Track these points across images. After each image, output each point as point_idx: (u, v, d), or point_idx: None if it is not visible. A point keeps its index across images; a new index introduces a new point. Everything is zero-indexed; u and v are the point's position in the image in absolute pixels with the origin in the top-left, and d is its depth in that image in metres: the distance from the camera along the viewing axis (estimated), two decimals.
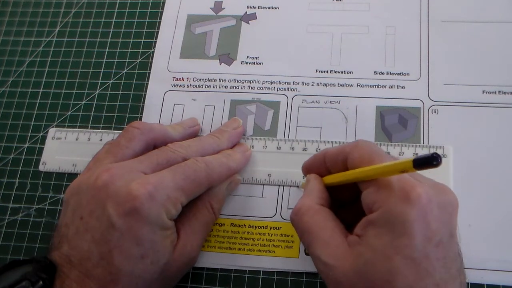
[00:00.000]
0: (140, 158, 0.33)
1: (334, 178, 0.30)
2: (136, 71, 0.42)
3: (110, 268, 0.29)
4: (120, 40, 0.43)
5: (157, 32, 0.43)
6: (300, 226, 0.29)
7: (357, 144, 0.29)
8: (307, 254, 0.34)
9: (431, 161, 0.22)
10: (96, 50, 0.43)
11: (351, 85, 0.38)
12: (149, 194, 0.29)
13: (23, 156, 0.41)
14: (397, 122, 0.37)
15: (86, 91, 0.42)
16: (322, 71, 0.39)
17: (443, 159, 0.34)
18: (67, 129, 0.41)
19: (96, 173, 0.31)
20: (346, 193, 0.31)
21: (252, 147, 0.37)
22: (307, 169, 0.33)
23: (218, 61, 0.41)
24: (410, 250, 0.24)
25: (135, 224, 0.29)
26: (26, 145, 0.41)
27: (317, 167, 0.32)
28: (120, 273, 0.29)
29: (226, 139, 0.37)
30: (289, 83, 0.39)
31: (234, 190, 0.37)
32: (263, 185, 0.37)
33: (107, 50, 0.43)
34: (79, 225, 0.30)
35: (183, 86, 0.40)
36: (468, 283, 0.32)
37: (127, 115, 0.40)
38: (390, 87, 0.38)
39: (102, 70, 0.43)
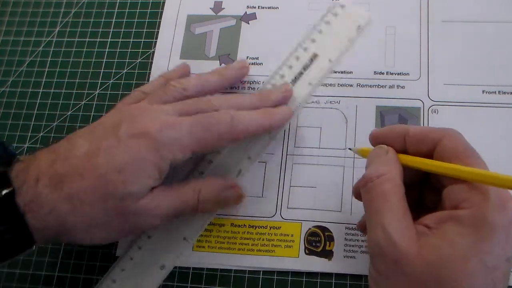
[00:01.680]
0: (172, 104, 0.33)
1: (415, 162, 0.28)
2: (136, 71, 0.42)
3: (87, 163, 0.30)
4: (120, 40, 0.43)
5: (157, 32, 0.43)
6: (377, 190, 0.27)
7: (449, 132, 0.27)
8: (360, 231, 0.33)
9: None
10: (96, 50, 0.43)
11: (351, 85, 0.38)
12: (162, 127, 0.31)
13: None
14: (397, 122, 0.37)
15: (86, 91, 0.42)
16: None
17: None
18: None
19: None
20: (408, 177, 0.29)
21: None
22: (378, 138, 0.30)
23: (218, 61, 0.41)
24: (489, 256, 0.24)
25: (137, 144, 0.30)
26: (26, 145, 0.41)
27: (391, 140, 0.29)
28: (95, 170, 0.30)
29: (272, 99, 0.36)
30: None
31: (232, 201, 0.36)
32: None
33: (107, 50, 0.43)
34: (89, 130, 0.32)
35: None
36: None
37: None
38: (390, 87, 0.38)
39: (102, 70, 0.43)
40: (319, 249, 0.34)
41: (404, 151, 0.29)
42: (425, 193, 0.30)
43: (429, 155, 0.28)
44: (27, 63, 0.44)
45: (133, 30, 0.44)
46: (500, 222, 0.24)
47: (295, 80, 0.38)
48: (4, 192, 0.28)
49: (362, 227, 0.31)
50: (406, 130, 0.29)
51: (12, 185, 0.29)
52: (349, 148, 0.35)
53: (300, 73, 0.39)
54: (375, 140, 0.30)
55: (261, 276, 0.34)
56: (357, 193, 0.30)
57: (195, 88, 0.35)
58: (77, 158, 0.30)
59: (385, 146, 0.29)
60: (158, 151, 0.30)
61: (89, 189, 0.30)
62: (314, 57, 0.39)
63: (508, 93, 0.37)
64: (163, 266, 0.35)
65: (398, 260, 0.24)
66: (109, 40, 0.44)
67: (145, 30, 0.43)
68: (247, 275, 0.35)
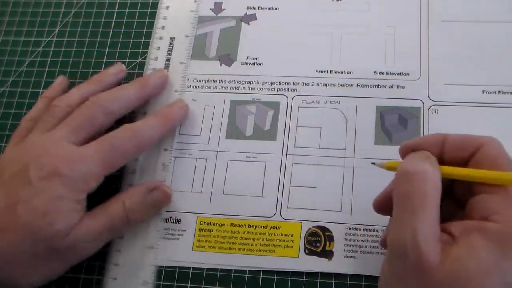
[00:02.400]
0: (62, 124, 0.34)
1: (457, 171, 0.26)
2: (136, 71, 0.42)
3: (8, 218, 0.30)
4: (120, 40, 0.43)
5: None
6: (417, 187, 0.25)
7: (491, 140, 0.26)
8: (384, 248, 0.31)
9: None
10: (96, 50, 0.43)
11: (351, 85, 0.38)
12: (71, 164, 0.31)
13: None
14: (397, 122, 0.37)
15: None
16: (322, 71, 0.39)
17: None
18: None
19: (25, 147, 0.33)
20: None
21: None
22: (412, 148, 0.28)
23: (218, 62, 0.41)
24: (510, 276, 0.23)
25: (52, 185, 0.31)
26: None
27: (427, 149, 0.28)
28: (18, 221, 0.30)
29: (152, 87, 0.38)
30: (289, 83, 0.39)
31: (161, 201, 0.36)
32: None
33: (107, 50, 0.43)
34: None
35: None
36: None
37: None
38: (390, 87, 0.38)
39: (102, 70, 0.42)
40: (319, 249, 0.34)
41: (439, 161, 0.27)
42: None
43: (466, 162, 0.27)
44: (27, 63, 0.44)
45: (133, 30, 0.44)
46: None
47: (167, 66, 0.40)
48: None
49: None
50: (445, 137, 0.28)
51: None
52: (372, 163, 0.31)
53: (168, 59, 0.41)
54: (409, 150, 0.28)
55: (261, 276, 0.34)
56: (381, 205, 0.30)
57: (78, 100, 0.36)
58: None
59: (427, 151, 0.27)
60: (73, 187, 0.32)
61: (16, 241, 0.30)
62: (172, 40, 0.42)
63: (508, 93, 0.37)
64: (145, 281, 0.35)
65: (419, 267, 0.23)
66: (109, 40, 0.44)
67: (145, 30, 0.43)
68: (247, 275, 0.35)
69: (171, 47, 0.41)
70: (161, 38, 0.41)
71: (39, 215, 0.30)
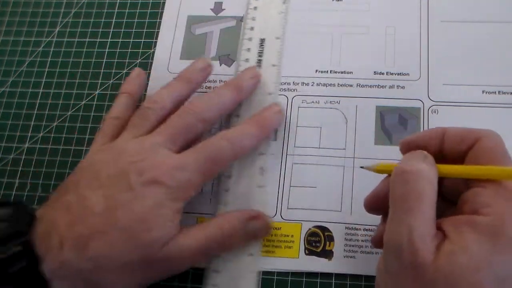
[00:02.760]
0: (159, 130, 0.34)
1: (447, 169, 0.26)
2: None
3: (108, 221, 0.30)
4: (120, 40, 0.43)
5: (157, 32, 0.43)
6: (414, 186, 0.25)
7: (491, 133, 0.26)
8: (376, 246, 0.32)
9: None
10: (96, 50, 0.43)
11: (351, 85, 0.38)
12: (172, 172, 0.31)
13: (23, 156, 0.41)
14: (397, 122, 0.37)
15: (86, 91, 0.42)
16: (322, 71, 0.39)
17: None
18: None
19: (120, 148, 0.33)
20: None
21: None
22: (410, 145, 0.28)
23: (219, 62, 0.41)
24: (503, 268, 0.23)
25: (152, 192, 0.30)
26: (26, 145, 0.41)
27: (426, 144, 0.28)
28: (117, 225, 0.30)
29: (246, 91, 0.37)
30: (289, 83, 0.39)
31: (260, 232, 0.34)
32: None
33: (107, 50, 0.43)
34: (93, 182, 0.31)
35: None
36: None
37: None
38: (390, 87, 0.38)
39: (102, 70, 0.42)
40: (319, 249, 0.34)
41: (438, 155, 0.27)
42: None
43: (464, 156, 0.27)
44: (27, 63, 0.44)
45: (133, 30, 0.44)
46: None
47: (258, 68, 0.39)
48: (26, 262, 0.28)
49: (378, 241, 0.29)
50: (444, 130, 0.28)
51: (35, 254, 0.28)
52: (361, 167, 0.32)
53: (259, 60, 0.40)
54: (409, 145, 0.29)
55: (261, 276, 0.34)
56: (372, 205, 0.30)
57: (170, 103, 0.35)
58: (96, 217, 0.30)
59: (424, 151, 0.27)
60: (172, 195, 0.31)
61: (113, 245, 0.30)
62: (262, 41, 0.40)
63: (508, 93, 0.37)
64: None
65: (414, 264, 0.23)
66: (109, 40, 0.44)
67: (145, 30, 0.43)
68: None
69: (261, 49, 0.40)
70: (250, 39, 0.40)
71: (138, 220, 0.30)
